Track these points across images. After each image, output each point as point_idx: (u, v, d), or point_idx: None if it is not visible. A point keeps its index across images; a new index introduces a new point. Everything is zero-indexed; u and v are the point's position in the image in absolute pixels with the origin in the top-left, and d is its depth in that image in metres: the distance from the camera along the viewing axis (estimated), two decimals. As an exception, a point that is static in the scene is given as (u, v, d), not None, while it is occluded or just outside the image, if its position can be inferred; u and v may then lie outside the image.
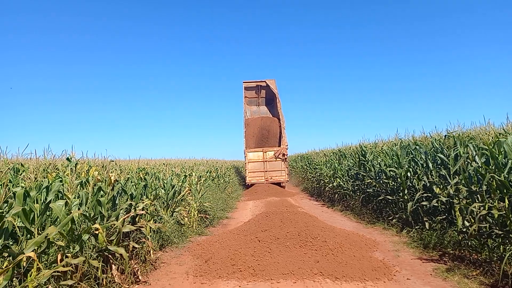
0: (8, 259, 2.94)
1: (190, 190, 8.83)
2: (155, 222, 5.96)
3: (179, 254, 6.23)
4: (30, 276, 3.09)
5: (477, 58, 77.30)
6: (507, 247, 4.53)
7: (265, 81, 20.36)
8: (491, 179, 4.72)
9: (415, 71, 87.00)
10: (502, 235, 4.69)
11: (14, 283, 3.05)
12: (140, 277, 4.79)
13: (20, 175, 5.03)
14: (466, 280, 4.52)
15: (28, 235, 3.27)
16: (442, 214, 6.47)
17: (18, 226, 3.25)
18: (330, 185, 13.21)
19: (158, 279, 5.00)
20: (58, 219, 3.47)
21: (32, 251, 3.15)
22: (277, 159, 17.44)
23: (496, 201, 4.74)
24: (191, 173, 10.96)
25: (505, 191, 4.56)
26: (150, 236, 5.71)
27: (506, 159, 4.83)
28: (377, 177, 9.37)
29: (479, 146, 5.46)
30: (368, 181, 9.80)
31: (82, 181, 4.36)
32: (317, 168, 16.68)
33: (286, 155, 17.59)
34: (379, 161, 9.42)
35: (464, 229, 5.48)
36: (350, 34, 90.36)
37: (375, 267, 5.04)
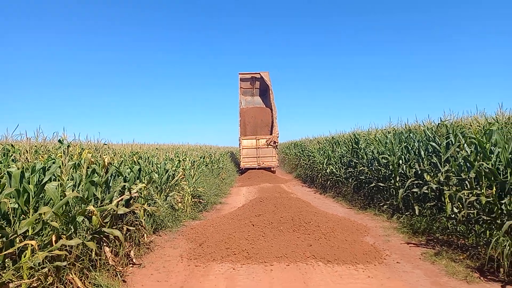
0: (1, 240, 2.94)
1: (184, 175, 8.84)
2: (149, 206, 5.97)
3: (173, 238, 6.28)
4: (25, 257, 3.10)
5: (473, 49, 77.42)
6: (494, 232, 4.63)
7: (259, 73, 21.15)
8: (480, 167, 4.78)
9: (411, 60, 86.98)
10: (488, 221, 4.79)
11: (7, 264, 3.05)
12: (134, 260, 4.83)
13: (10, 156, 4.99)
14: (453, 263, 4.62)
15: (22, 216, 3.27)
16: (431, 201, 6.57)
17: (11, 207, 3.25)
18: (323, 172, 13.30)
19: (152, 261, 5.04)
20: (52, 201, 3.47)
21: (26, 231, 3.17)
22: (269, 146, 18.62)
23: (484, 188, 4.82)
24: (185, 158, 10.95)
25: (493, 178, 4.64)
26: (144, 219, 5.74)
27: (494, 147, 4.89)
28: (370, 164, 9.45)
29: (468, 135, 5.52)
30: (360, 168, 9.88)
31: (75, 163, 4.35)
32: (310, 155, 16.78)
33: (277, 142, 18.81)
34: (372, 149, 9.49)
35: (453, 215, 5.58)
36: (342, 23, 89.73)
37: (366, 251, 5.12)
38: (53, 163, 3.64)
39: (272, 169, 19.27)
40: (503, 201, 4.46)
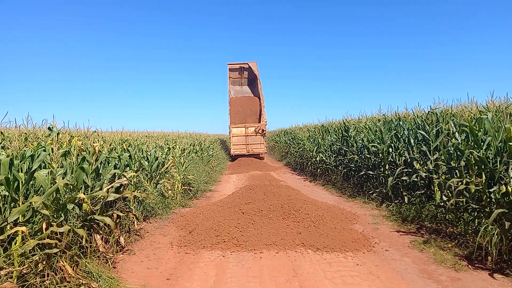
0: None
1: (174, 162, 8.82)
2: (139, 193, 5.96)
3: (163, 225, 6.29)
4: (15, 244, 3.08)
5: (465, 38, 77.95)
6: (482, 221, 4.73)
7: (247, 63, 21.70)
8: (470, 155, 4.86)
9: (401, 49, 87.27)
10: (477, 209, 4.89)
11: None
12: (124, 247, 4.84)
13: (0, 144, 4.93)
14: (441, 251, 4.72)
15: (12, 204, 3.24)
16: (421, 189, 6.67)
17: (0, 195, 3.21)
18: (313, 160, 13.37)
19: (143, 248, 5.05)
20: (42, 189, 3.43)
21: (16, 219, 3.14)
22: (257, 134, 19.47)
23: (474, 176, 4.90)
24: (175, 145, 10.91)
25: (482, 166, 4.71)
26: (134, 207, 5.73)
27: (485, 136, 4.96)
28: (359, 153, 9.53)
29: (460, 123, 5.59)
30: (350, 156, 9.96)
31: (65, 151, 4.31)
32: (300, 143, 16.83)
33: (265, 130, 19.66)
34: (361, 137, 9.55)
35: (442, 204, 5.68)
36: (334, 12, 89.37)
37: (355, 239, 5.20)
38: (43, 150, 3.60)
39: (260, 156, 20.12)
40: (492, 190, 4.55)
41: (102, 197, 4.29)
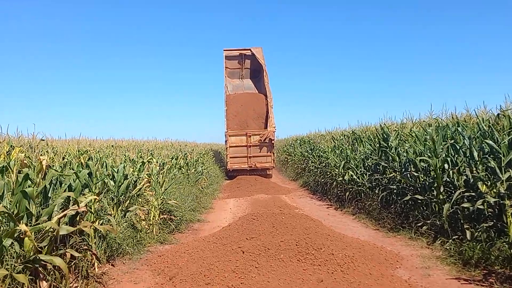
0: None
1: (150, 182, 8.84)
2: (101, 225, 5.97)
3: (134, 269, 6.29)
4: None
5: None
6: None
7: (250, 49, 21.83)
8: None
9: (456, 31, 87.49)
10: None
11: None
12: (80, 299, 4.84)
13: None
14: (518, 307, 4.68)
15: None
16: (489, 220, 6.62)
17: None
18: (340, 179, 13.35)
19: (106, 301, 5.05)
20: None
21: None
22: (263, 144, 19.60)
23: None
24: (151, 159, 10.96)
25: None
26: (95, 243, 5.73)
27: None
28: (404, 170, 9.50)
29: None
30: (391, 174, 9.94)
31: (2, 166, 4.33)
32: (322, 156, 16.85)
33: (274, 139, 19.87)
34: (406, 148, 9.54)
35: (518, 241, 5.64)
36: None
37: (399, 289, 5.17)
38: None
39: (267, 172, 20.37)
40: None
41: (51, 229, 4.30)
